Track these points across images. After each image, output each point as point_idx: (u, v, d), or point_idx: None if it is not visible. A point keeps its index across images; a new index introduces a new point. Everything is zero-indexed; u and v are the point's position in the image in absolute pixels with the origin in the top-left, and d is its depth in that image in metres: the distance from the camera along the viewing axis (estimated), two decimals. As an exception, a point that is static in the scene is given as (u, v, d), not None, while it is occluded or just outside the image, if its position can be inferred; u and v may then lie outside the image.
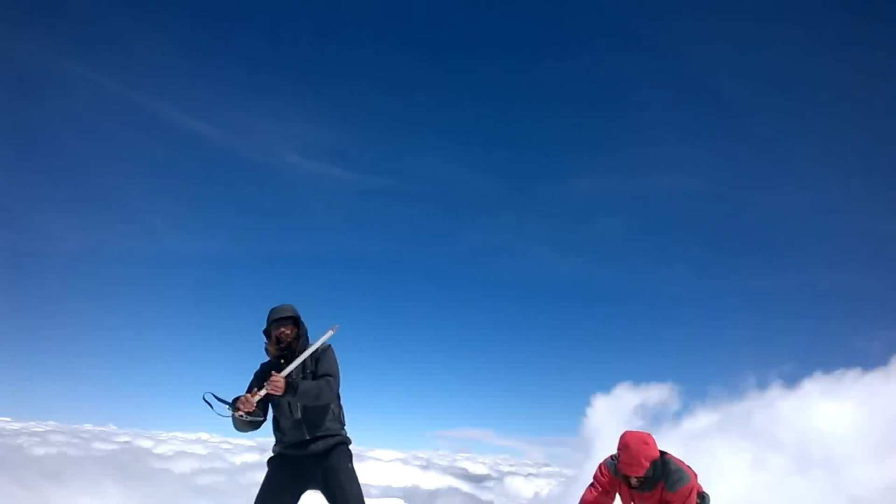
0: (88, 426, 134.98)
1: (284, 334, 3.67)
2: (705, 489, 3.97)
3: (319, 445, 3.60)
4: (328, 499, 3.54)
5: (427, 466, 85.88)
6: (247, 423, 3.51)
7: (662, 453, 3.82)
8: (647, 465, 3.66)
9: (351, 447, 3.75)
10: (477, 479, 79.44)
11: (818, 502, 25.31)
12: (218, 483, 39.03)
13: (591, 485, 4.07)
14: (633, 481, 3.78)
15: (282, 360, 3.66)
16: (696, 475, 3.86)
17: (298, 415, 3.59)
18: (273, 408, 3.68)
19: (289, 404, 3.57)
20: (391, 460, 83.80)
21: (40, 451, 53.18)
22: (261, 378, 3.72)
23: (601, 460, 4.12)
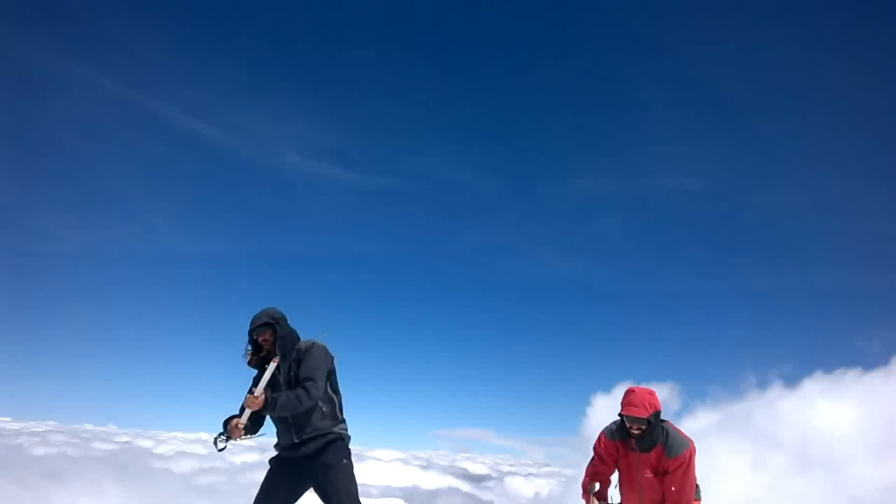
0: (88, 426, 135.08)
1: (264, 341, 3.66)
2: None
3: (310, 447, 3.57)
4: (321, 497, 3.52)
5: (427, 466, 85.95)
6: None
7: (663, 419, 3.80)
8: (651, 409, 3.62)
9: (348, 442, 3.69)
10: (477, 479, 79.48)
11: (818, 502, 25.31)
12: (218, 483, 39.04)
13: (591, 459, 4.07)
14: (635, 430, 3.69)
15: (265, 367, 3.67)
16: (693, 443, 3.81)
17: (287, 419, 3.60)
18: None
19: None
20: (391, 460, 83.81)
21: (40, 451, 53.19)
22: (257, 381, 3.72)
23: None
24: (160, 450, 71.02)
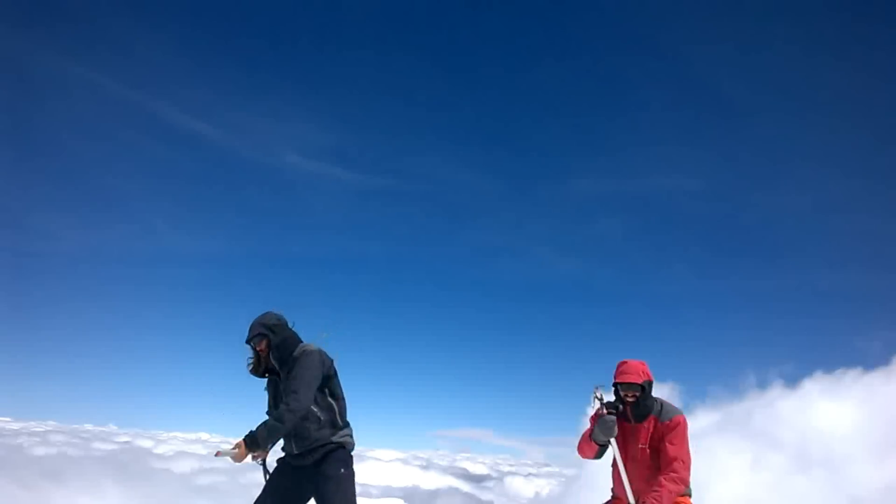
0: (88, 426, 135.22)
1: (261, 350, 3.63)
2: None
3: (309, 458, 3.55)
4: None
5: (427, 466, 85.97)
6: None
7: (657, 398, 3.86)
8: (643, 377, 3.71)
9: (350, 449, 3.65)
10: (477, 479, 79.49)
11: (818, 502, 25.32)
12: (218, 483, 39.01)
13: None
14: (629, 398, 3.73)
15: (266, 375, 3.69)
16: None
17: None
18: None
19: None
20: (391, 460, 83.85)
21: (40, 451, 53.22)
22: (270, 387, 3.76)
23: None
24: (160, 450, 71.06)
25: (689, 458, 3.74)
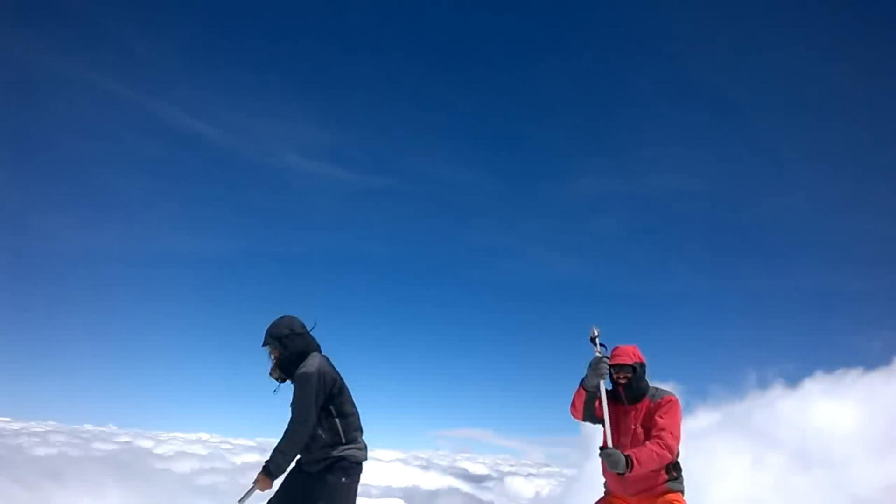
0: (88, 426, 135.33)
1: (275, 357, 3.72)
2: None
3: (314, 467, 3.66)
4: None
5: (427, 466, 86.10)
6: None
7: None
8: (635, 358, 3.80)
9: (352, 460, 3.67)
10: (477, 479, 79.59)
11: (819, 501, 25.30)
12: (218, 483, 39.07)
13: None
14: (622, 379, 3.79)
15: (280, 381, 3.76)
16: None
17: None
18: None
19: None
20: (391, 460, 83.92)
21: (40, 451, 53.31)
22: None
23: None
24: (160, 450, 71.17)
25: (678, 432, 3.73)
